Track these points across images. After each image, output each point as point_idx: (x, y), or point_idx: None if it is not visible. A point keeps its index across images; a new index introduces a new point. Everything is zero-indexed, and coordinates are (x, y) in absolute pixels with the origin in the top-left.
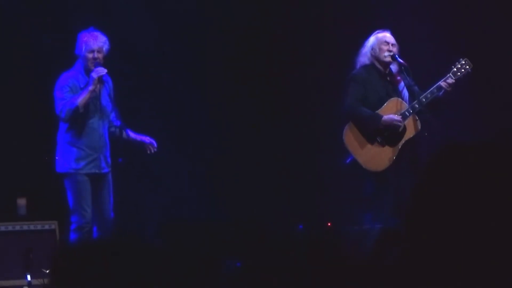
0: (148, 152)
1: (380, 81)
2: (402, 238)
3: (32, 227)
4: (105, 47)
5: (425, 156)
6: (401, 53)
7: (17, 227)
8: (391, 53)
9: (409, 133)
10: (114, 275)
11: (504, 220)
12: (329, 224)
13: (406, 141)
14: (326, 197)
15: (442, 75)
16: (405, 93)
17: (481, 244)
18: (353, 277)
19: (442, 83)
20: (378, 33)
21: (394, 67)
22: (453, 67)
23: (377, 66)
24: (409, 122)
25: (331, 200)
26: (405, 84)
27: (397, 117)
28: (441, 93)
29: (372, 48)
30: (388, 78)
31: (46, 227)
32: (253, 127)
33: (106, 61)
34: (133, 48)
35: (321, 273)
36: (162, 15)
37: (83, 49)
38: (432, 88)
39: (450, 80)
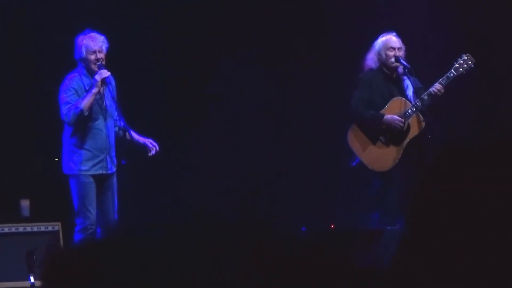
0: (150, 154)
1: (385, 83)
2: (404, 240)
3: (35, 229)
4: (105, 45)
5: (430, 157)
6: (406, 51)
7: (21, 229)
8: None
9: (413, 132)
10: (116, 276)
11: (506, 221)
12: (332, 226)
13: (411, 140)
14: (330, 199)
15: (445, 71)
16: (410, 94)
17: (483, 244)
18: (356, 278)
19: (431, 89)
20: (383, 36)
21: (399, 69)
22: (455, 62)
23: (384, 70)
24: (413, 121)
25: (335, 202)
26: (411, 85)
27: (398, 117)
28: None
29: (379, 53)
30: (393, 80)
31: (50, 228)
32: (258, 128)
33: (108, 62)
34: (134, 48)
35: (323, 275)
36: (162, 13)
37: (84, 52)
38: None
39: (438, 86)
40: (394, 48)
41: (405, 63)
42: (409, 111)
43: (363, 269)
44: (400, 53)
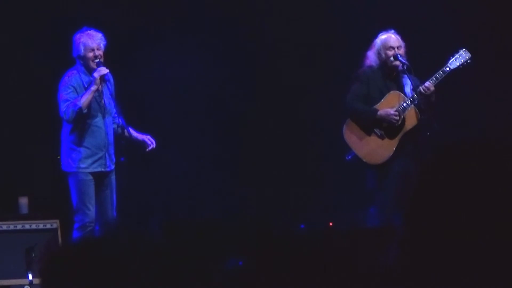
0: (147, 150)
1: (384, 80)
2: (402, 238)
3: (34, 226)
4: (103, 43)
5: (427, 155)
6: (406, 47)
7: (19, 226)
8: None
9: (408, 126)
10: (114, 273)
11: (504, 220)
12: (330, 224)
13: (406, 134)
14: (328, 196)
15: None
16: (408, 90)
17: (481, 244)
18: (355, 278)
19: (421, 87)
20: (382, 35)
21: (399, 66)
22: (451, 57)
23: (384, 69)
24: (408, 115)
25: (333, 199)
26: (409, 82)
27: (392, 111)
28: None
29: (378, 53)
30: (393, 78)
31: (48, 226)
32: (255, 125)
33: (106, 59)
34: (133, 45)
35: (322, 273)
36: (161, 11)
37: (82, 49)
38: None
39: (427, 84)
40: (393, 47)
41: (404, 61)
42: (404, 104)
43: (363, 268)
44: (400, 51)
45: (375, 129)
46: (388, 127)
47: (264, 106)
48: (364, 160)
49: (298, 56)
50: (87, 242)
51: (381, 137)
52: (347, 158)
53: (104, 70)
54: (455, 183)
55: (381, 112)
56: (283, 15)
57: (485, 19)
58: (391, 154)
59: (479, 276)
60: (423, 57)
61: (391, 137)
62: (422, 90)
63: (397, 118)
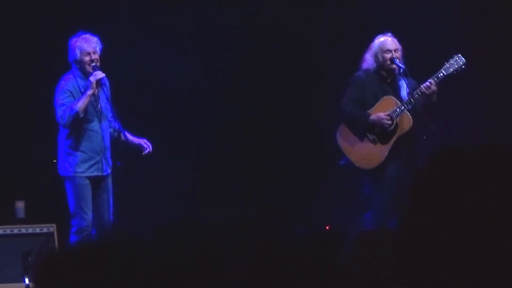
0: (143, 153)
1: (379, 84)
2: (400, 241)
3: (30, 230)
4: (99, 46)
5: (423, 158)
6: (403, 50)
7: (16, 230)
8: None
9: (402, 130)
10: (112, 278)
11: (502, 222)
12: (327, 227)
13: (399, 138)
14: (324, 199)
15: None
16: (404, 94)
17: (479, 246)
18: (352, 280)
19: (422, 86)
20: (379, 38)
21: (396, 69)
22: (445, 62)
23: (381, 72)
24: (402, 119)
25: (330, 202)
26: (406, 86)
27: (384, 116)
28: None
29: (376, 56)
30: (389, 82)
31: (45, 230)
32: (252, 128)
33: (103, 63)
34: (130, 48)
35: (318, 276)
36: (160, 13)
37: (78, 53)
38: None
39: (428, 84)
40: (390, 51)
41: (400, 65)
42: (398, 109)
43: (359, 271)
44: (397, 54)
45: (367, 134)
46: (381, 132)
47: (262, 109)
48: (357, 165)
49: (297, 59)
50: (84, 246)
51: (374, 142)
52: (340, 163)
53: (100, 74)
54: (452, 186)
55: (373, 116)
56: (282, 18)
57: (483, 23)
58: (384, 159)
59: (476, 278)
60: (420, 61)
61: (384, 142)
62: (423, 88)
63: (389, 122)
